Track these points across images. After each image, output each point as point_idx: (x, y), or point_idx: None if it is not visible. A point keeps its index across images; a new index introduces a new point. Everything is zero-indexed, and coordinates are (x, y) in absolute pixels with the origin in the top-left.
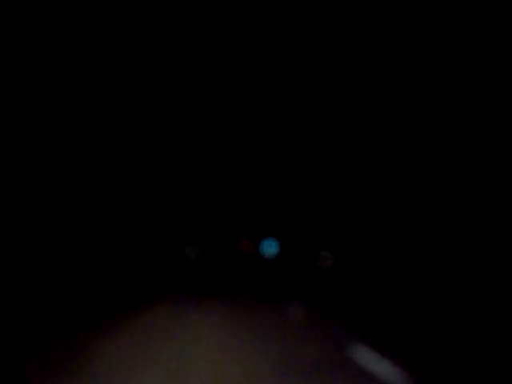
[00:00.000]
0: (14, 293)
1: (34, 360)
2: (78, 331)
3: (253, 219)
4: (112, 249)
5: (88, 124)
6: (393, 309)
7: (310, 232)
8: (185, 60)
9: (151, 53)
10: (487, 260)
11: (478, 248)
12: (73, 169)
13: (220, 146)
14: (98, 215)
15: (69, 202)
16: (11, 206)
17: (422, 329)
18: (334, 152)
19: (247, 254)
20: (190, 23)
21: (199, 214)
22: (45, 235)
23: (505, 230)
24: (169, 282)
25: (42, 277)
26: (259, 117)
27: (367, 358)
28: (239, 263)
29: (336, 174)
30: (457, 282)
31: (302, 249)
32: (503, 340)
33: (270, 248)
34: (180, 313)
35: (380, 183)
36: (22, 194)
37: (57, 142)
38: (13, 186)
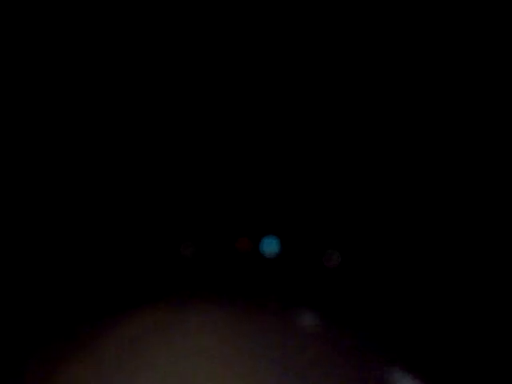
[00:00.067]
0: (14, 293)
1: (34, 360)
2: (78, 331)
3: (252, 215)
4: (111, 249)
5: (84, 122)
6: (402, 312)
7: (314, 228)
8: (184, 60)
9: (151, 53)
10: (496, 261)
11: (482, 247)
12: (69, 169)
13: (215, 138)
14: (95, 214)
15: (66, 203)
16: (10, 205)
17: (427, 332)
18: (341, 145)
19: (246, 253)
20: (190, 23)
21: (194, 210)
22: (45, 236)
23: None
24: (164, 282)
25: (42, 277)
26: (255, 110)
27: (375, 366)
28: (237, 263)
29: (341, 167)
30: (466, 279)
31: (305, 247)
32: (504, 340)
33: (270, 246)
34: (178, 315)
35: (391, 175)
36: (21, 193)
37: (54, 141)
38: (11, 186)
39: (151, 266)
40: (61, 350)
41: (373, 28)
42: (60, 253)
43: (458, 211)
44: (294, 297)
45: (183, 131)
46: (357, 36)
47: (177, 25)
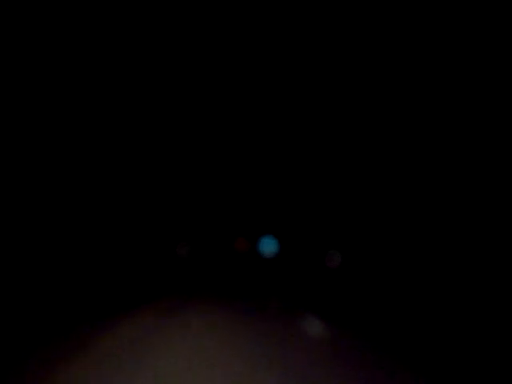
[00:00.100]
0: (14, 293)
1: (34, 360)
2: (78, 331)
3: (250, 214)
4: (111, 249)
5: (81, 122)
6: (403, 313)
7: (314, 228)
8: (183, 60)
9: (151, 53)
10: (497, 262)
11: (484, 249)
12: (66, 170)
13: (212, 136)
14: (95, 214)
15: (66, 203)
16: (10, 205)
17: (428, 332)
18: (342, 142)
19: (243, 253)
20: (190, 23)
21: (191, 209)
22: (44, 236)
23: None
24: (164, 283)
25: (41, 277)
26: (252, 110)
27: (374, 365)
28: (235, 263)
29: (343, 166)
30: (468, 282)
31: (305, 247)
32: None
33: (268, 246)
34: (178, 316)
35: (394, 176)
36: (21, 193)
37: (52, 140)
38: (11, 186)
39: (151, 266)
40: (61, 350)
41: (373, 28)
42: (60, 253)
43: (461, 215)
44: (294, 297)
45: (179, 131)
46: (357, 36)
47: (177, 25)
